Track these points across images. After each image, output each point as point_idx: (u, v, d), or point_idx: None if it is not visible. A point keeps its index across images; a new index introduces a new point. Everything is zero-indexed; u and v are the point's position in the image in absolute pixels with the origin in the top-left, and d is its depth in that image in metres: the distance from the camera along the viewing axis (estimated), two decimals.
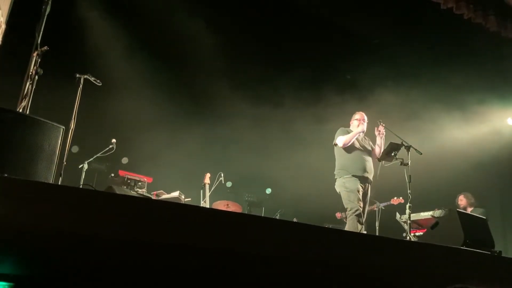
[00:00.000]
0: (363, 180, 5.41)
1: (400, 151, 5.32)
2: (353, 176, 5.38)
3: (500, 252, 3.94)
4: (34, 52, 3.80)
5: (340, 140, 5.54)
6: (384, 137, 5.62)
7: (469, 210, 6.42)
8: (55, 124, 3.20)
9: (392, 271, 2.69)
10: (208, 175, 6.96)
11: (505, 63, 7.54)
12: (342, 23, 7.64)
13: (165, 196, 6.49)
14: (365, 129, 5.64)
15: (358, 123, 5.69)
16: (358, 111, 5.88)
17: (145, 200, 3.83)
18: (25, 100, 3.61)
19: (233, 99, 8.05)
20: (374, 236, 5.38)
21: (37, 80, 3.76)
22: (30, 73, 3.72)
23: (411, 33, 7.56)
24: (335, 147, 5.67)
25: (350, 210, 5.22)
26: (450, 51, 7.61)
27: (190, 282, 2.26)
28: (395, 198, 7.08)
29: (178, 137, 8.03)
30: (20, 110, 3.55)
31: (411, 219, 5.44)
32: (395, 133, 5.51)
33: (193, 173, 7.58)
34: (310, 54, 8.28)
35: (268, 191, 9.23)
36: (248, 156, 8.17)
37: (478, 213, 5.44)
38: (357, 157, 5.50)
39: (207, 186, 6.86)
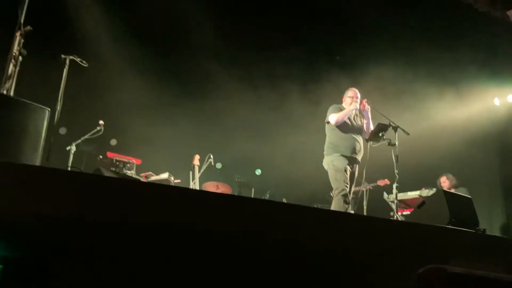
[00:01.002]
0: (352, 160, 5.41)
1: (387, 131, 5.34)
2: (342, 155, 5.38)
3: (484, 230, 4.03)
4: (17, 32, 3.73)
5: (333, 117, 5.50)
6: (370, 111, 5.62)
7: (452, 191, 6.53)
8: (40, 105, 3.17)
9: (378, 250, 2.73)
10: (197, 156, 6.96)
11: (494, 43, 7.57)
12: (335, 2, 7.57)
13: (154, 177, 6.49)
14: (358, 107, 5.61)
15: (351, 100, 5.62)
16: (353, 88, 5.80)
17: (134, 182, 3.83)
18: (8, 82, 3.55)
19: (224, 81, 7.99)
20: (360, 215, 5.46)
21: (21, 61, 3.69)
22: (14, 54, 3.65)
23: (403, 12, 7.51)
24: (326, 124, 5.65)
25: (336, 189, 5.24)
26: (441, 30, 7.59)
27: (178, 261, 2.28)
28: (381, 179, 7.16)
29: (167, 118, 7.97)
30: (4, 92, 3.50)
31: (399, 198, 5.51)
32: (382, 113, 5.51)
33: (183, 155, 7.55)
34: (303, 34, 8.20)
35: (258, 172, 9.26)
36: (238, 137, 8.16)
37: (461, 193, 5.52)
38: (348, 136, 5.48)
39: (196, 168, 6.86)
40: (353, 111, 5.60)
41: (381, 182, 7.21)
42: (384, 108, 5.76)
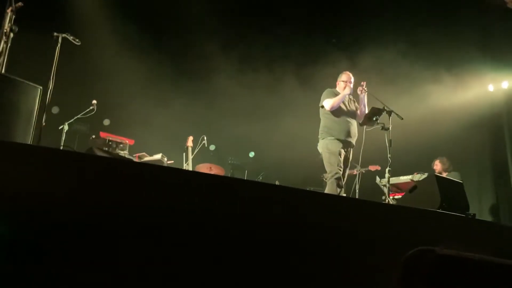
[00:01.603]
0: (346, 144, 5.44)
1: (381, 116, 5.35)
2: (336, 139, 5.41)
3: (474, 215, 4.07)
4: (8, 9, 3.66)
5: (327, 103, 5.51)
6: (366, 94, 5.62)
7: (444, 175, 6.58)
8: (32, 84, 3.14)
9: (369, 233, 2.76)
10: (190, 138, 6.95)
11: (491, 29, 7.55)
12: None
13: (147, 158, 6.48)
14: (352, 91, 5.62)
15: (345, 85, 5.63)
16: (346, 72, 5.80)
17: (127, 162, 3.82)
18: None
19: (219, 62, 7.93)
20: (352, 198, 5.50)
21: (12, 38, 3.63)
22: (5, 31, 3.59)
23: None
24: (321, 109, 5.65)
25: (329, 173, 5.29)
26: (440, 14, 7.55)
27: (171, 242, 2.29)
28: (372, 165, 7.22)
29: (161, 99, 7.92)
30: None
31: (391, 182, 5.54)
32: (377, 97, 5.52)
33: (176, 136, 7.54)
34: (301, 14, 8.13)
35: (252, 154, 9.26)
36: (232, 119, 8.14)
37: (453, 177, 5.57)
38: (342, 120, 5.50)
39: (189, 149, 6.86)
40: (347, 95, 5.61)
41: (372, 167, 7.27)
42: (379, 91, 5.76)
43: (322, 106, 5.59)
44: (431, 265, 0.84)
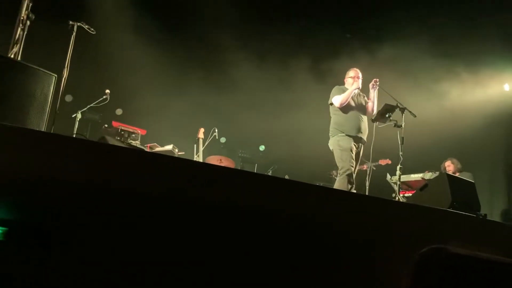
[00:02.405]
0: (357, 140, 5.41)
1: (394, 112, 5.31)
2: (347, 135, 5.38)
3: (485, 215, 4.03)
4: None
5: (336, 100, 5.49)
6: (377, 90, 5.58)
7: (457, 175, 6.52)
8: (47, 72, 3.16)
9: (378, 230, 2.75)
10: (202, 129, 6.96)
11: (509, 28, 7.44)
12: None
13: (158, 149, 6.52)
14: (360, 86, 5.59)
15: (353, 80, 5.61)
16: (354, 68, 5.76)
17: (138, 151, 3.85)
18: (16, 46, 3.53)
19: (233, 54, 7.92)
20: (363, 195, 5.48)
21: (29, 25, 3.66)
22: (22, 18, 3.62)
23: None
24: (330, 106, 5.64)
25: (341, 169, 5.27)
26: (459, 11, 7.45)
27: (181, 231, 2.31)
28: (383, 159, 7.18)
29: (173, 90, 7.95)
30: (12, 56, 3.48)
31: (401, 180, 5.51)
32: (390, 94, 5.47)
33: (188, 128, 7.57)
34: (310, 12, 8.08)
35: (262, 148, 9.27)
36: (243, 112, 8.14)
37: (465, 177, 5.51)
38: (352, 116, 5.47)
39: (200, 141, 6.88)
40: (356, 90, 5.56)
41: (383, 162, 7.25)
42: (393, 88, 5.71)
43: (332, 104, 5.57)
44: (444, 264, 0.84)
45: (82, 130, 6.49)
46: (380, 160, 7.23)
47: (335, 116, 5.56)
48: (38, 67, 3.09)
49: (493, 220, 5.55)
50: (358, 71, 5.69)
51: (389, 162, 7.12)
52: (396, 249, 2.31)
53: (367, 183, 7.00)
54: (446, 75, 7.63)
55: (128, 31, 7.53)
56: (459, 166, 6.84)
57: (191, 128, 7.26)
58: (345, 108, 5.48)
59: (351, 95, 5.49)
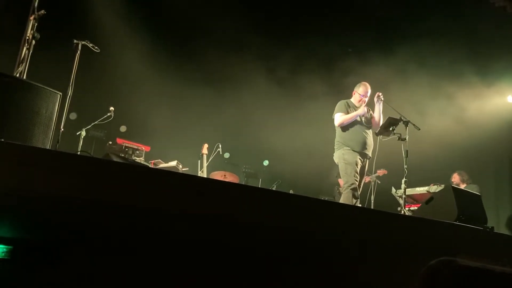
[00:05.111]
0: (362, 155, 5.36)
1: (398, 126, 5.30)
2: (352, 150, 5.35)
3: (493, 228, 3.99)
4: (31, 16, 3.74)
5: (337, 119, 5.42)
6: (382, 103, 5.54)
7: (463, 187, 6.48)
8: (52, 90, 3.19)
9: (384, 244, 2.73)
10: (206, 145, 6.97)
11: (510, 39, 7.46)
12: None
13: (162, 165, 6.52)
14: (365, 111, 5.49)
15: (360, 98, 5.53)
16: (364, 82, 5.66)
17: (143, 168, 3.85)
18: (22, 65, 3.57)
19: (236, 70, 7.97)
20: (368, 209, 5.45)
21: (34, 44, 3.71)
22: (27, 38, 3.67)
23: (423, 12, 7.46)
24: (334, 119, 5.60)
25: (346, 183, 5.23)
26: (458, 24, 7.49)
27: (185, 247, 2.29)
28: (380, 170, 7.22)
29: (177, 107, 7.98)
30: (17, 75, 3.52)
31: (407, 193, 5.47)
32: (394, 108, 5.47)
33: (191, 143, 7.58)
34: (325, 25, 8.12)
35: (266, 163, 9.24)
36: (246, 127, 8.15)
37: (471, 189, 5.48)
38: (357, 131, 5.41)
39: (204, 157, 6.89)
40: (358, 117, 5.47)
41: (380, 172, 7.26)
42: (397, 101, 5.70)
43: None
44: (453, 276, 0.83)
45: (87, 148, 6.50)
46: (377, 171, 7.24)
47: (340, 131, 5.49)
48: (43, 86, 3.12)
49: (500, 233, 5.49)
50: (368, 87, 5.57)
51: (385, 172, 7.20)
52: (404, 263, 2.28)
53: (372, 197, 6.97)
54: (449, 88, 7.64)
55: (132, 49, 7.60)
56: (465, 177, 6.80)
57: (195, 144, 7.27)
58: (350, 123, 5.44)
59: (353, 120, 5.41)
